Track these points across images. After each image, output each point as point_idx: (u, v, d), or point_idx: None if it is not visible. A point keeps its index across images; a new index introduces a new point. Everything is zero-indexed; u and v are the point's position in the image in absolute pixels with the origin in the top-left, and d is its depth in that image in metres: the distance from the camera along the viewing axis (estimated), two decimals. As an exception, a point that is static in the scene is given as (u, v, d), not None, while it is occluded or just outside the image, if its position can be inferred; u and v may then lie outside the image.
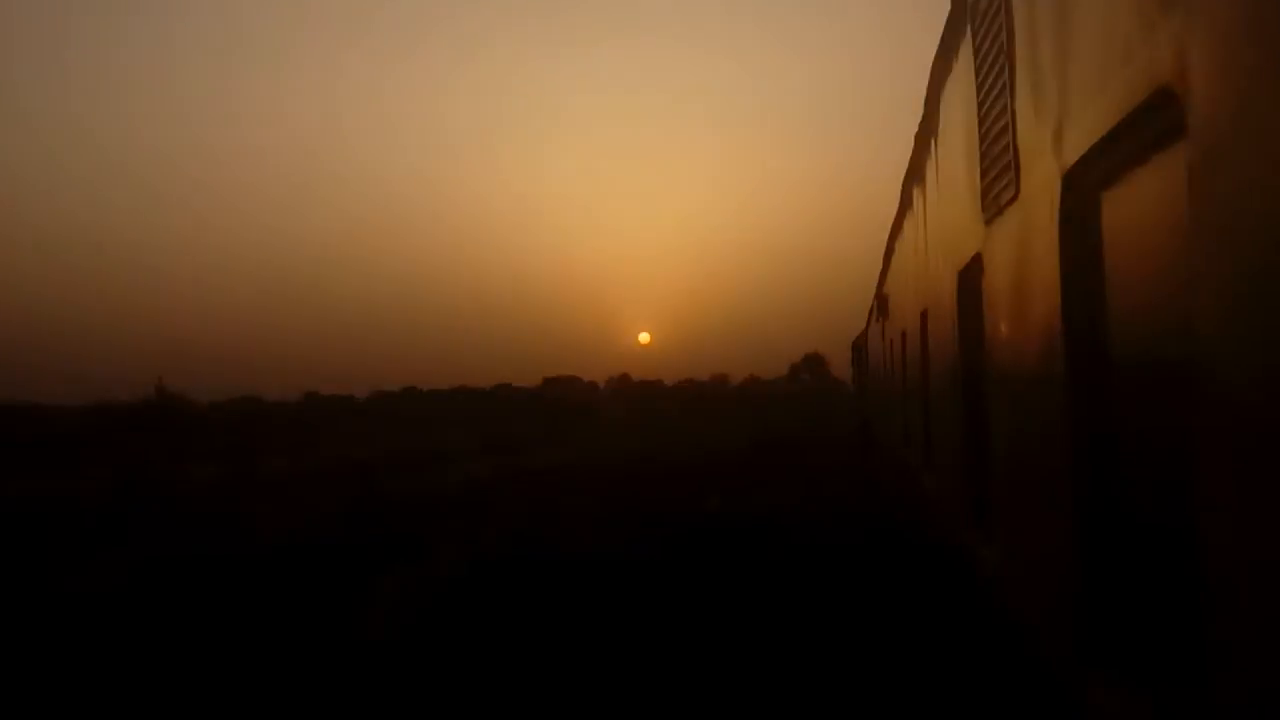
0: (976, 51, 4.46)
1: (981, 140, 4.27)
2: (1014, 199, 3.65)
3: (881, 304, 16.70)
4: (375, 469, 32.21)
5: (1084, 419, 2.92)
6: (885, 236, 15.27)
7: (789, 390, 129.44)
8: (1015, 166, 3.58)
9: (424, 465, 33.11)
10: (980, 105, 4.32)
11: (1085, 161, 2.70)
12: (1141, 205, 2.50)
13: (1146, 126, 2.19)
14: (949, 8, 5.33)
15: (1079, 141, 2.67)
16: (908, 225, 9.92)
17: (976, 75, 4.42)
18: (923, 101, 7.33)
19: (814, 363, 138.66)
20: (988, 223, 4.26)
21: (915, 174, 8.76)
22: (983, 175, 4.26)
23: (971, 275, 5.09)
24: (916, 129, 7.74)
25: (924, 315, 8.07)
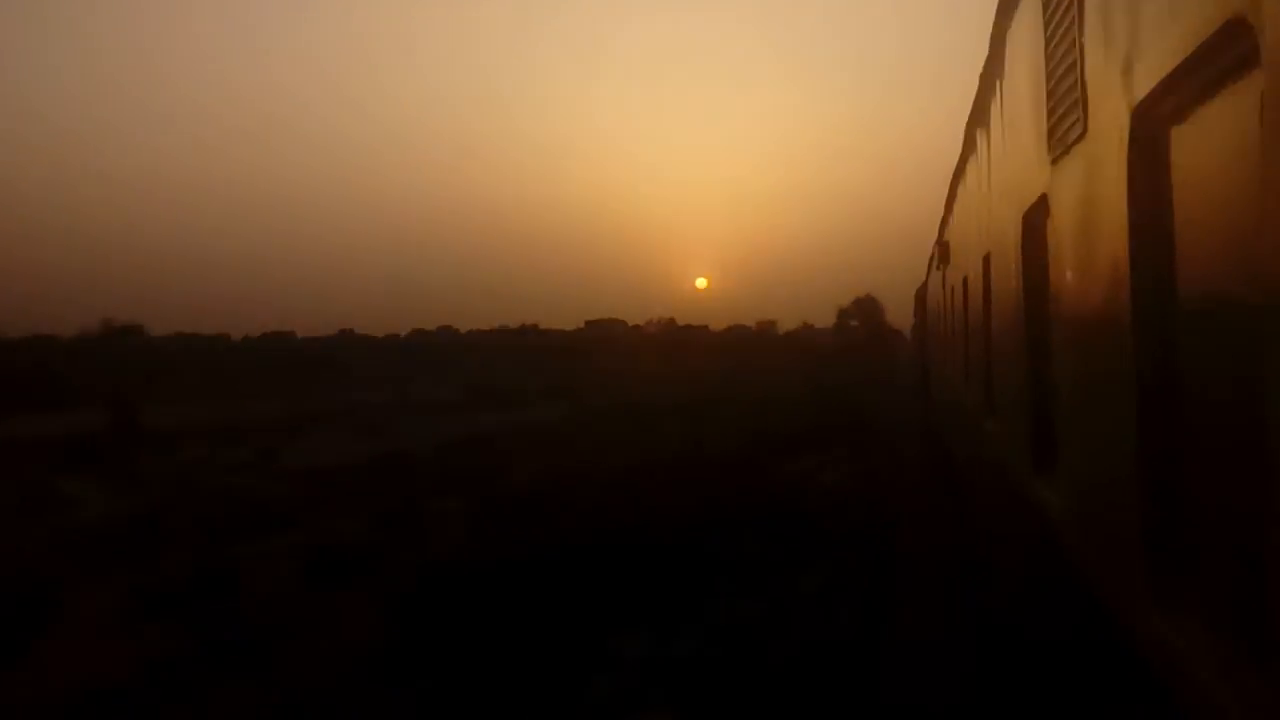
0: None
1: (1048, 78, 4.22)
2: (1081, 136, 3.62)
3: (943, 251, 16.47)
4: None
5: (1149, 361, 2.92)
6: (947, 185, 15.05)
7: (835, 341, 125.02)
8: (1083, 103, 3.54)
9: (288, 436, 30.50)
10: (1047, 41, 4.26)
11: (1155, 96, 2.68)
12: (1212, 141, 2.49)
13: (1219, 58, 2.18)
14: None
15: (1149, 75, 2.65)
16: (970, 169, 9.77)
17: (1044, 10, 4.35)
18: (987, 41, 7.21)
19: (866, 307, 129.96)
20: (1054, 162, 4.23)
21: (979, 116, 8.61)
22: (1049, 113, 4.21)
23: (1036, 216, 5.05)
24: (981, 69, 7.60)
25: (986, 260, 7.99)
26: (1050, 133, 4.23)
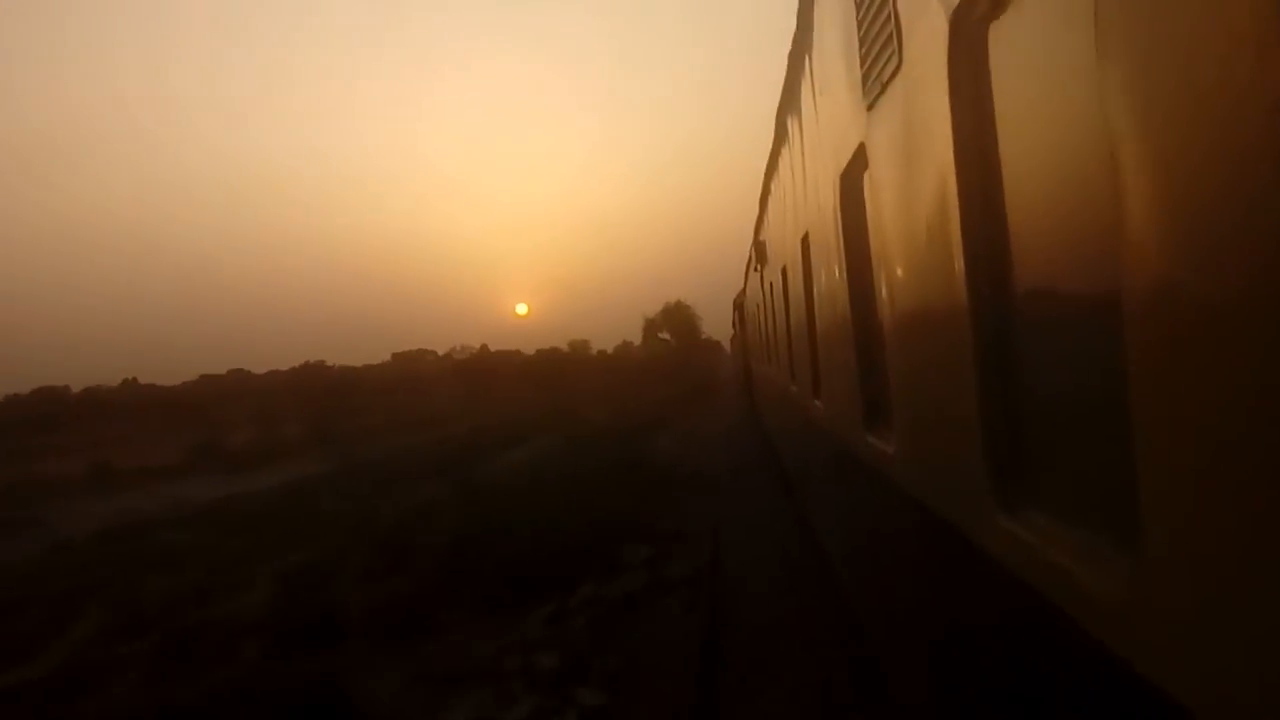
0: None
1: (860, 22, 4.26)
2: (897, 69, 3.63)
3: (759, 250, 16.80)
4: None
5: (982, 288, 2.91)
6: (760, 189, 15.37)
7: (648, 354, 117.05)
8: (897, 33, 3.56)
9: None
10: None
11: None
12: (1036, 32, 2.48)
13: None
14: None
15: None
16: (783, 156, 9.97)
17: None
18: (793, 21, 7.34)
19: (677, 316, 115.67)
20: (870, 107, 4.26)
21: (789, 100, 8.78)
22: (863, 58, 4.25)
23: (854, 174, 5.10)
24: (789, 50, 7.74)
25: (805, 241, 8.12)
26: (865, 77, 4.27)
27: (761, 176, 14.57)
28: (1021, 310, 2.76)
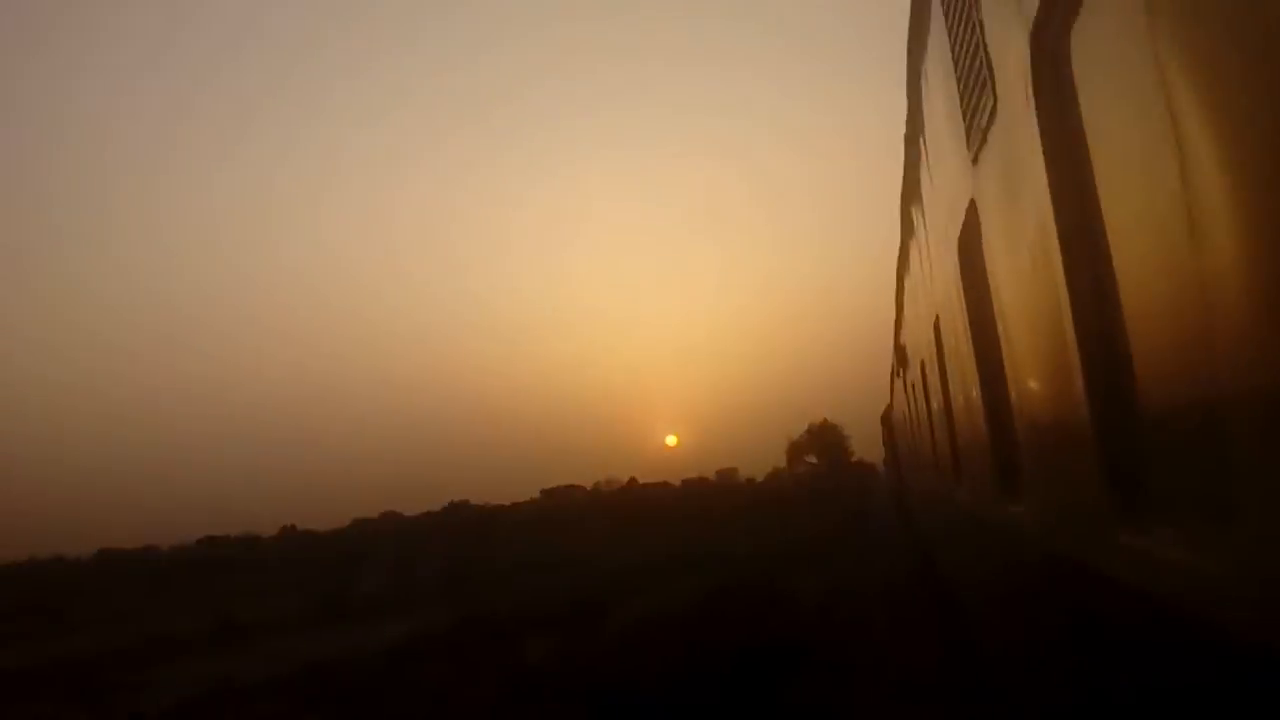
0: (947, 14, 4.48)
1: (957, 69, 4.26)
2: (994, 110, 3.60)
3: (900, 355, 16.57)
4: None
5: (1092, 340, 2.78)
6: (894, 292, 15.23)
7: (793, 480, 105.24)
8: (988, 66, 3.54)
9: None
10: (950, 34, 4.33)
11: (1046, 9, 2.66)
12: (1114, 31, 2.45)
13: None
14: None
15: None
16: (911, 250, 9.91)
17: (944, 15, 4.45)
18: (904, 107, 7.41)
19: (825, 437, 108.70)
20: (975, 160, 4.21)
21: (910, 189, 8.77)
22: (964, 109, 4.23)
23: (970, 237, 5.01)
24: (904, 133, 7.79)
25: (936, 325, 7.96)
26: (968, 130, 4.24)
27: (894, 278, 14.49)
28: (1127, 350, 2.63)
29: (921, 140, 6.93)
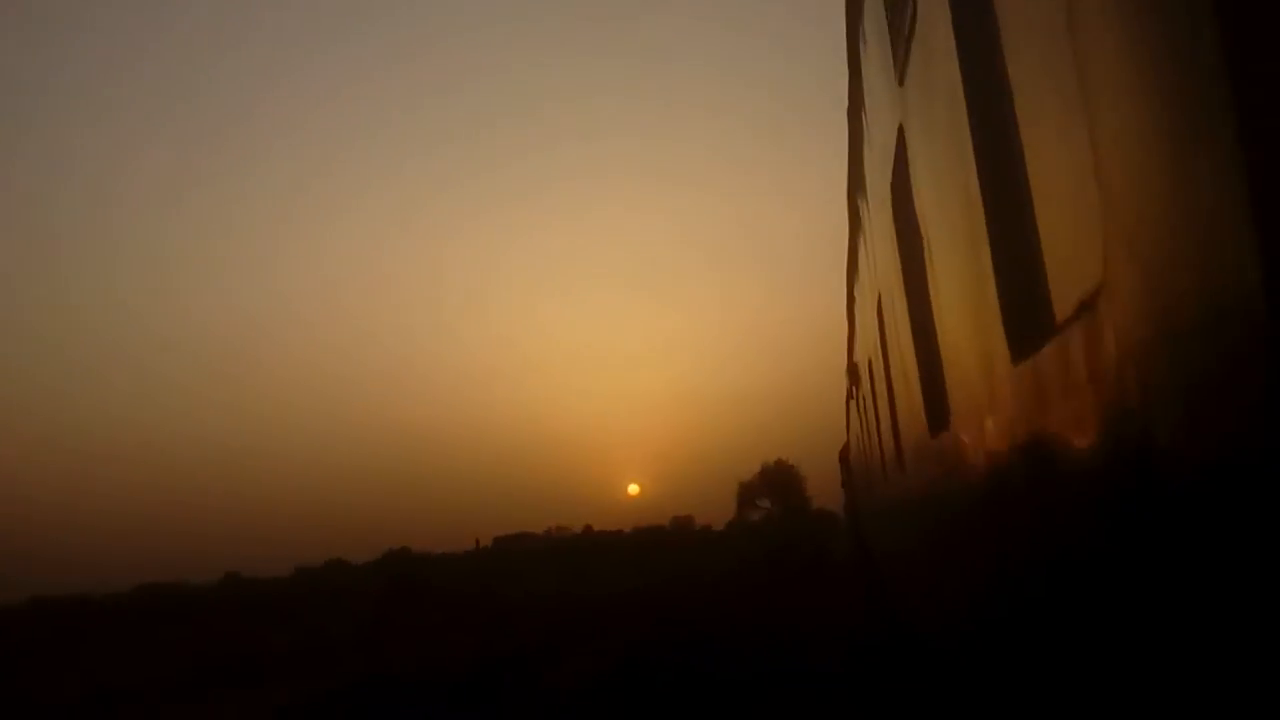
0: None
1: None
2: (914, 13, 3.56)
3: (852, 375, 16.28)
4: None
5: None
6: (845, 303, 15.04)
7: (742, 529, 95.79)
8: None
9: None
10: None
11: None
12: None
13: None
14: None
15: None
16: (860, 246, 9.85)
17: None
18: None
19: (778, 478, 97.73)
20: (900, 80, 4.16)
21: (855, 172, 8.72)
22: (888, 20, 4.18)
23: (900, 173, 4.89)
24: (845, 109, 7.80)
25: (879, 308, 7.86)
26: (894, 48, 4.20)
27: (844, 291, 14.36)
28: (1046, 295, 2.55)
29: (863, 114, 6.95)
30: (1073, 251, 2.06)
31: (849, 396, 19.74)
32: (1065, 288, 2.12)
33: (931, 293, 4.30)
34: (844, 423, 27.19)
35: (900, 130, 4.49)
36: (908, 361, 5.76)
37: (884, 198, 5.88)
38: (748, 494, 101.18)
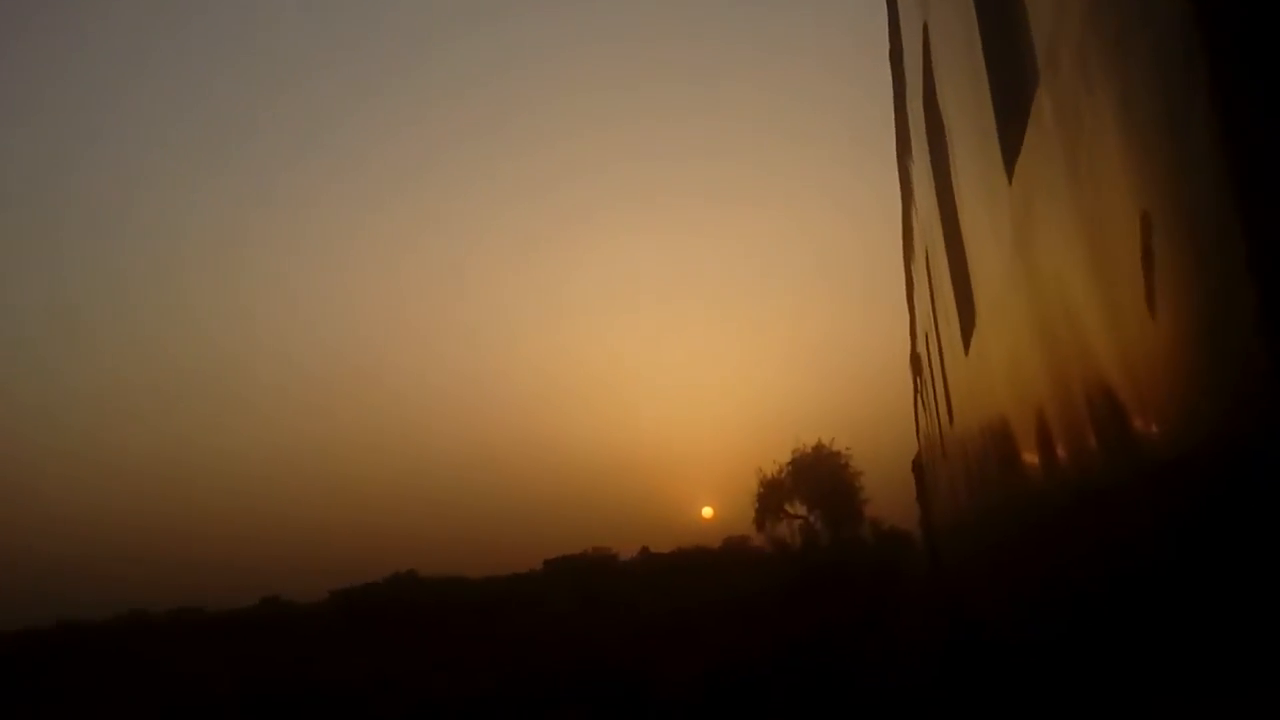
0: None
1: None
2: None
3: (915, 366, 15.99)
4: None
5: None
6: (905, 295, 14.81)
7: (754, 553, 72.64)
8: None
9: None
10: None
11: None
12: None
13: None
14: None
15: None
16: (914, 220, 9.66)
17: None
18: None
19: (821, 473, 66.86)
20: None
21: (904, 148, 8.60)
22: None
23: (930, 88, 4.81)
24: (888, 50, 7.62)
25: (928, 268, 7.69)
26: None
27: (904, 284, 14.15)
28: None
29: (903, 60, 6.80)
30: None
31: (915, 392, 19.34)
32: None
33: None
34: (914, 428, 26.49)
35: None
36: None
37: (927, 159, 5.76)
38: (773, 496, 69.37)
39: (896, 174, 10.50)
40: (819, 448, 68.29)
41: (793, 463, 68.87)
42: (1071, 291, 2.19)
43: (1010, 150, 2.59)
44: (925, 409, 15.45)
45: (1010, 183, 2.64)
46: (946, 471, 9.95)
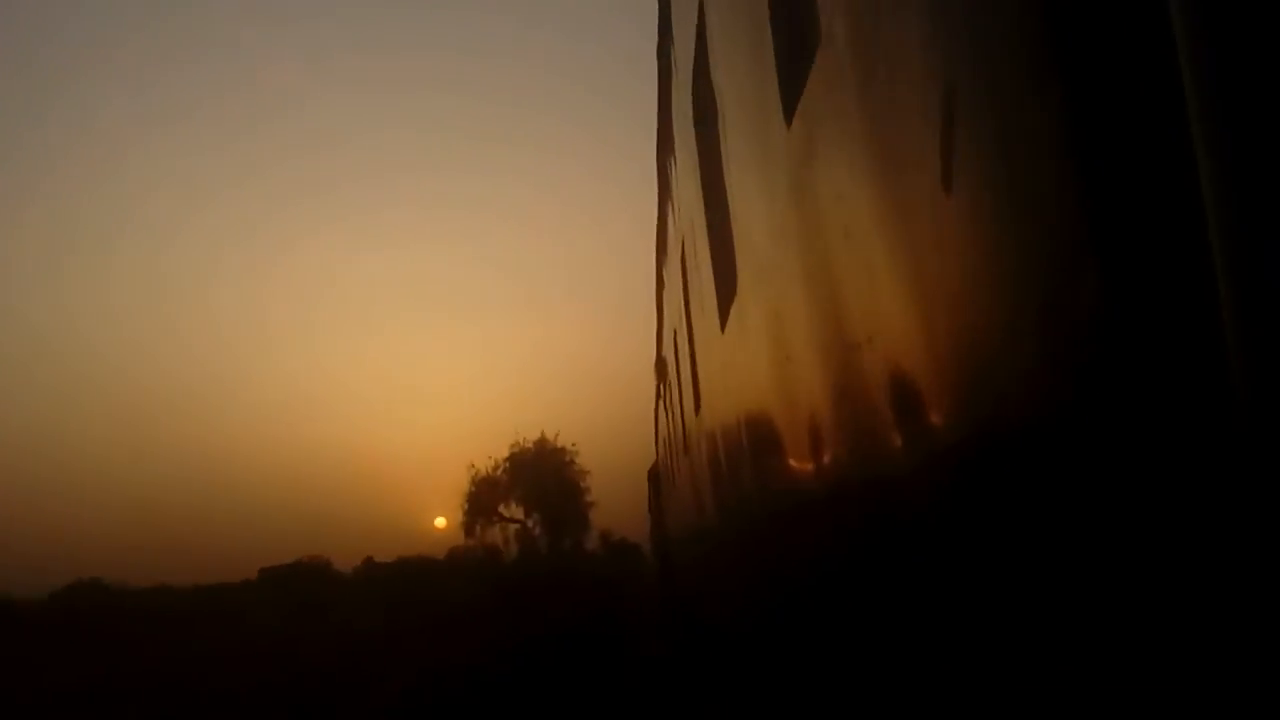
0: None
1: None
2: None
3: (660, 370, 16.05)
4: None
5: None
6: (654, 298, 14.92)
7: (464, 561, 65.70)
8: None
9: None
10: None
11: None
12: None
13: None
14: None
15: None
16: (668, 214, 9.80)
17: None
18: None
19: (537, 468, 59.35)
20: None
21: (664, 129, 8.64)
22: None
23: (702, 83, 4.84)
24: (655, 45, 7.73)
25: (681, 256, 7.78)
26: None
27: (654, 292, 14.30)
28: None
29: (671, 52, 6.88)
30: None
31: (658, 398, 19.57)
32: None
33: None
34: (653, 437, 26.72)
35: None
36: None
37: (692, 146, 5.81)
38: (485, 497, 61.27)
39: (654, 181, 10.58)
40: (541, 442, 61.81)
41: (510, 459, 61.98)
42: (857, 228, 2.08)
43: (792, 91, 2.57)
44: (667, 412, 15.62)
45: (789, 125, 2.62)
46: (688, 469, 10.02)
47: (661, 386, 16.83)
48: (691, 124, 5.68)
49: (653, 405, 22.94)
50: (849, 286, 2.22)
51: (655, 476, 30.03)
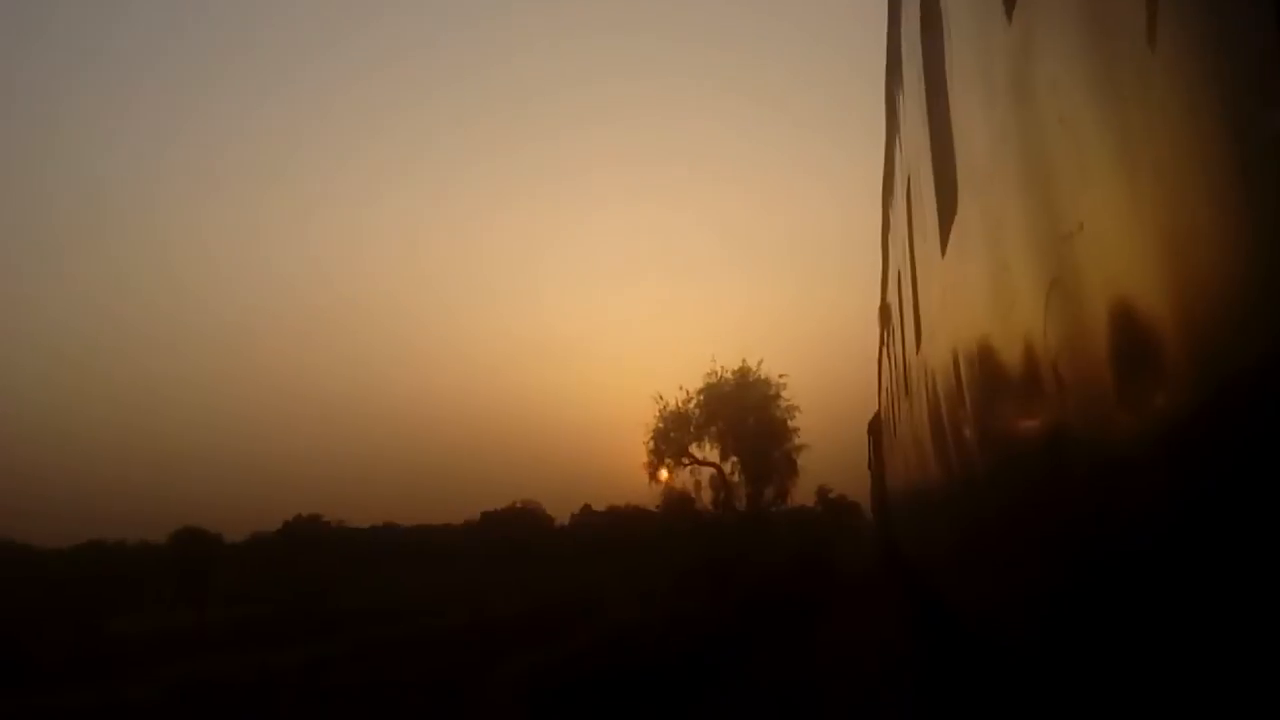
0: None
1: None
2: None
3: (884, 317, 15.93)
4: None
5: None
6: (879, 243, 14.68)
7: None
8: None
9: None
10: None
11: None
12: None
13: None
14: None
15: None
16: (895, 152, 9.60)
17: None
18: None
19: (735, 401, 50.04)
20: None
21: (893, 74, 8.52)
22: None
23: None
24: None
25: (907, 191, 7.65)
26: None
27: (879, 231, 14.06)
28: None
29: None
30: None
31: (881, 345, 19.17)
32: None
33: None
34: (875, 389, 26.09)
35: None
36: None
37: (918, 60, 5.73)
38: (674, 435, 50.44)
39: (882, 129, 10.33)
40: (742, 373, 50.57)
41: (704, 390, 50.70)
42: (1080, 128, 1.97)
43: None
44: (889, 358, 15.33)
45: (1010, 22, 2.60)
46: (908, 413, 9.70)
47: (885, 333, 16.58)
48: (918, 37, 5.61)
49: (875, 359, 22.58)
50: (1063, 183, 2.14)
51: (876, 428, 28.47)
